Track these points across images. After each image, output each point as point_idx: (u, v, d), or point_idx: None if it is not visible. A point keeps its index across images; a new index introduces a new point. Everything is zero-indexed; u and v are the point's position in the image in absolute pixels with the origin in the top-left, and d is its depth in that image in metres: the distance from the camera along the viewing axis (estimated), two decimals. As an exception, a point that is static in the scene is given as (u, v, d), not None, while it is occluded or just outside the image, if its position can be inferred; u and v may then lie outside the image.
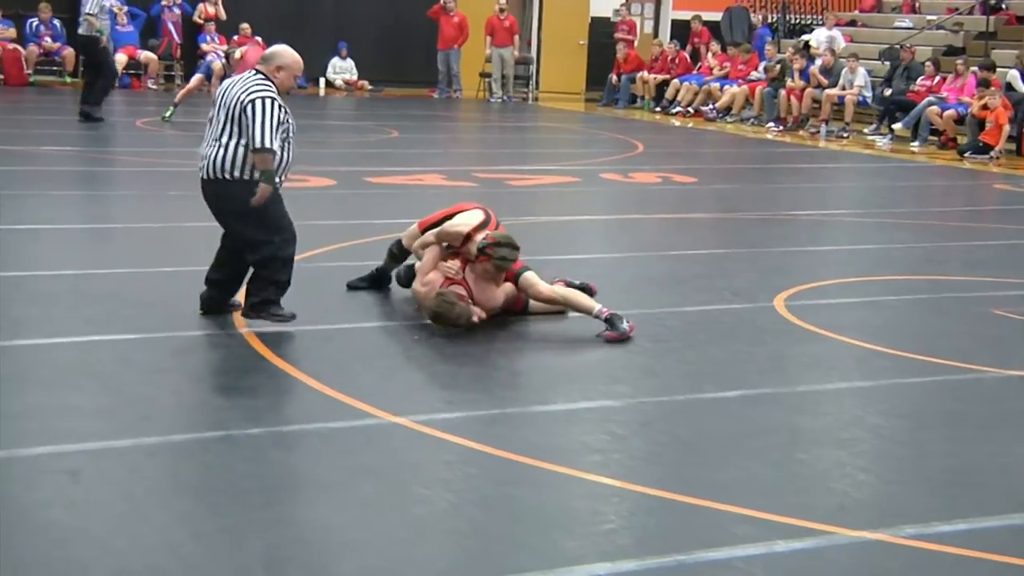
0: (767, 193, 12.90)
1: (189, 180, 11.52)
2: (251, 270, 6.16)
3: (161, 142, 15.27)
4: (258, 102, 5.87)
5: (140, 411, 4.92)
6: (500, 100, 24.16)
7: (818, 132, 19.42)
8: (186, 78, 20.33)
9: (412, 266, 6.92)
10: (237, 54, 15.78)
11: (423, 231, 6.78)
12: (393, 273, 7.15)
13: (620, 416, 5.19)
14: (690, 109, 22.21)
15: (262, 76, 5.99)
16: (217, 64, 16.79)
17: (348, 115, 20.94)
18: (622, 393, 5.50)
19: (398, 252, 7.01)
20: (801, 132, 19.68)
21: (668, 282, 8.01)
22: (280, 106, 5.93)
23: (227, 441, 4.62)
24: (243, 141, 5.91)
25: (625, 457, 4.70)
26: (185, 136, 15.56)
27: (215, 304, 6.28)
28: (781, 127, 20.02)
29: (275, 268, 6.03)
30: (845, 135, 19.06)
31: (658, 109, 22.83)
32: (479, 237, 6.45)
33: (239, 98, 5.91)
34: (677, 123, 21.41)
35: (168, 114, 16.37)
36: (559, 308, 6.64)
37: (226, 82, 6.09)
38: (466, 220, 6.60)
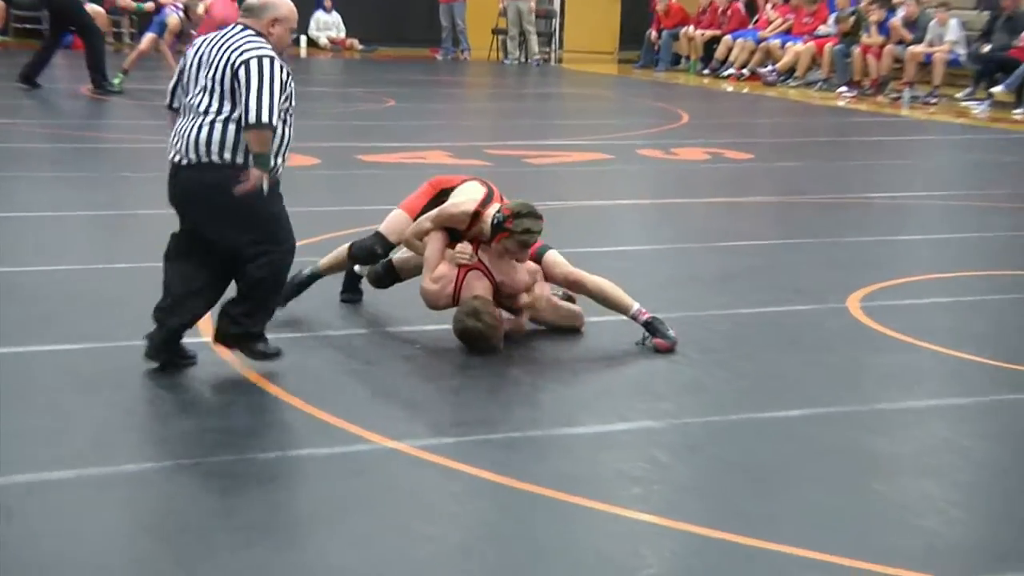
0: (838, 172, 12.90)
1: (144, 159, 11.62)
2: (222, 290, 5.68)
3: (109, 113, 15.36)
4: (254, 63, 5.33)
5: (89, 435, 4.95)
6: (517, 62, 24.20)
7: (900, 98, 19.39)
8: (137, 36, 20.43)
9: (390, 262, 6.76)
10: (200, 8, 15.85)
11: (415, 217, 6.57)
12: (365, 272, 6.86)
13: (663, 439, 5.21)
14: (745, 71, 22.22)
15: (253, 32, 5.47)
16: (174, 18, 16.67)
17: (335, 80, 21.03)
18: (665, 412, 5.52)
19: (382, 250, 6.63)
20: (880, 98, 19.67)
21: (718, 279, 8.02)
22: (283, 67, 5.41)
23: (194, 471, 4.64)
24: (235, 114, 5.37)
25: (668, 488, 4.71)
26: (138, 106, 15.64)
27: (170, 346, 5.63)
28: (855, 92, 20.01)
29: (268, 288, 5.59)
30: (933, 101, 19.03)
31: (706, 72, 22.84)
32: (490, 212, 6.34)
33: (228, 59, 5.36)
34: (729, 88, 21.42)
35: (118, 81, 16.45)
36: (571, 322, 6.56)
37: (202, 40, 5.55)
38: (469, 196, 6.43)
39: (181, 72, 5.61)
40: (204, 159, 5.43)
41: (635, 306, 6.40)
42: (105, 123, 14.63)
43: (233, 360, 5.83)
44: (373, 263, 6.74)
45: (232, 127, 5.40)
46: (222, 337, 5.71)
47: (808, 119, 17.92)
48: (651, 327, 6.34)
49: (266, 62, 5.36)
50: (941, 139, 16.14)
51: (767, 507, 4.55)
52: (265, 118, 5.31)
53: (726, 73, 22.38)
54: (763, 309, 7.32)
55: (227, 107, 5.39)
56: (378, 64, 23.16)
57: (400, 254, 6.72)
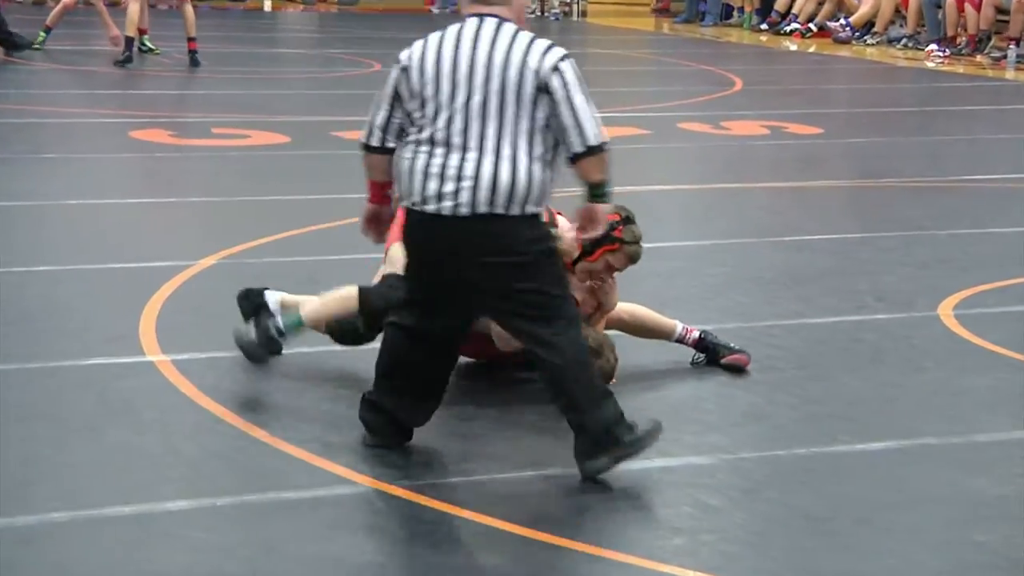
0: (928, 149, 12.89)
1: (72, 137, 11.64)
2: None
3: (29, 81, 15.36)
4: (568, 70, 4.96)
5: (8, 478, 4.97)
6: (532, 14, 24.22)
7: (1005, 57, 19.35)
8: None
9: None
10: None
11: None
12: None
13: (713, 480, 5.20)
14: (812, 26, 22.20)
15: (517, 27, 5.07)
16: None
17: (307, 39, 21.08)
18: (715, 446, 5.50)
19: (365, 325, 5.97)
20: (979, 58, 19.64)
21: (781, 282, 8.00)
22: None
23: (135, 521, 4.65)
24: (543, 151, 4.99)
25: (720, 539, 4.70)
26: (64, 73, 15.66)
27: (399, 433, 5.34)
28: (948, 51, 19.98)
29: (588, 378, 5.09)
30: (1046, 61, 19.01)
31: (764, 27, 22.83)
32: (562, 224, 5.99)
33: (531, 68, 4.93)
34: (793, 47, 21.41)
35: (40, 41, 16.50)
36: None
37: (451, 44, 5.06)
38: None
39: (398, 96, 5.13)
40: (499, 211, 4.96)
41: (678, 326, 6.39)
42: (22, 93, 14.64)
43: (185, 386, 5.86)
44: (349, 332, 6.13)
45: (538, 167, 4.99)
46: (595, 458, 5.07)
47: (890, 84, 17.92)
48: (706, 345, 6.31)
49: (575, 67, 5.04)
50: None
51: (842, 564, 4.54)
52: (602, 136, 5.06)
53: (789, 28, 22.37)
54: (837, 319, 7.31)
55: (529, 139, 4.99)
56: (361, 19, 23.20)
57: None
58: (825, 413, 5.96)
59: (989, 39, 19.96)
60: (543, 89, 4.95)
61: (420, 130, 5.04)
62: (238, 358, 6.03)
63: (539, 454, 5.37)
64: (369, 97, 5.35)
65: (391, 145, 5.15)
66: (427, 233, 5.08)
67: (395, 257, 5.77)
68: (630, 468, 5.17)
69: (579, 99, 4.97)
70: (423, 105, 5.03)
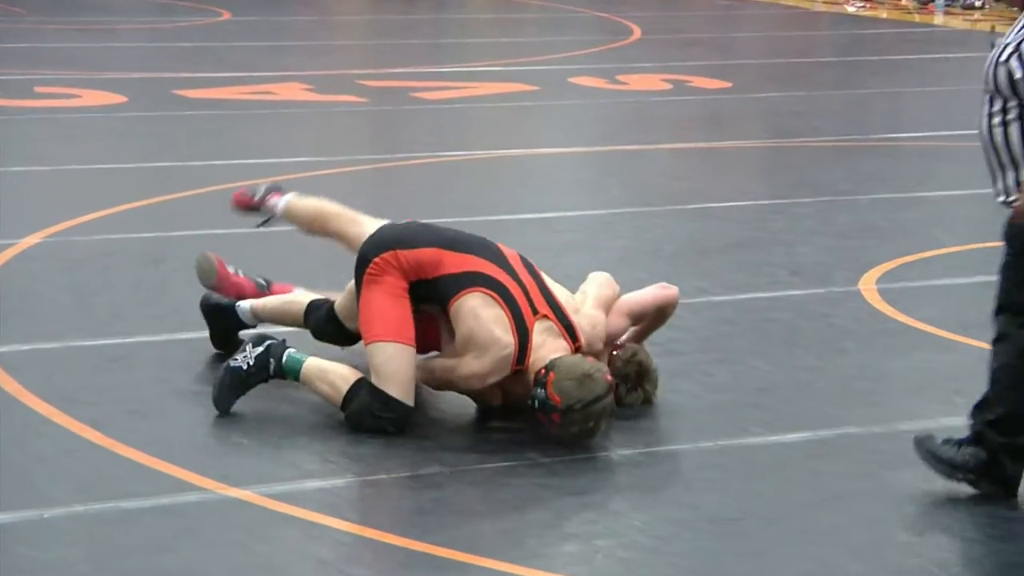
0: (848, 105, 13.00)
1: None
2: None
3: None
4: None
5: None
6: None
7: (932, 1, 19.59)
8: None
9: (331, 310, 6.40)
10: None
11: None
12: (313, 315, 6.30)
13: (608, 478, 5.24)
14: (719, -34, 22.32)
15: None
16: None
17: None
18: (611, 441, 5.53)
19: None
20: (904, 1, 19.85)
21: (684, 255, 8.05)
22: None
23: None
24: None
25: (618, 544, 4.72)
26: None
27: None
28: (871, -6, 20.17)
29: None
30: (977, 4, 19.25)
31: (666, -33, 22.92)
32: (537, 356, 5.66)
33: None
34: (698, -10, 21.49)
35: None
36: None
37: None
38: (493, 354, 5.62)
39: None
40: None
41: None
42: None
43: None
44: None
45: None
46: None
47: (806, 32, 18.07)
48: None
49: None
50: (987, 57, 16.30)
51: (752, 570, 4.57)
52: None
53: (693, -31, 22.49)
54: (747, 295, 7.37)
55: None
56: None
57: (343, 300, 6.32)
58: (733, 402, 6.00)
59: (915, -19, 20.17)
60: None
61: None
62: (67, 349, 5.97)
63: (410, 453, 5.37)
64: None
65: None
66: None
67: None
68: (512, 469, 5.19)
69: None
70: None
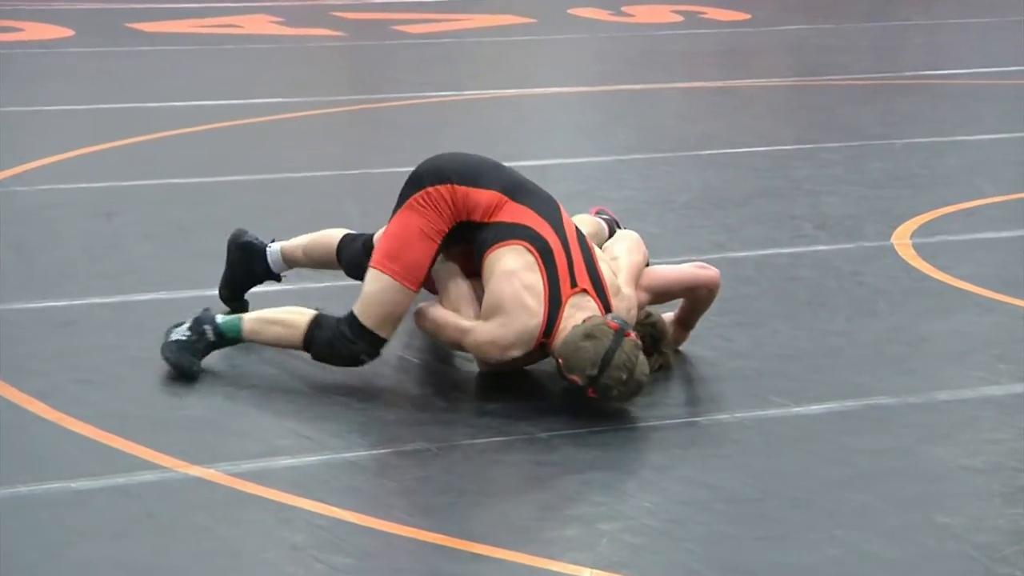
0: (880, 38, 12.97)
1: None
2: None
3: None
4: None
5: None
6: None
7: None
8: None
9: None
10: None
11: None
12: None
13: (615, 454, 5.24)
14: None
15: None
16: None
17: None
18: (618, 413, 5.53)
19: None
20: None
21: (699, 207, 8.05)
22: None
23: None
24: None
25: (625, 528, 4.71)
26: None
27: None
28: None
29: None
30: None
31: None
32: (563, 325, 5.67)
33: None
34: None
35: None
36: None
37: None
38: (520, 315, 5.62)
39: None
40: None
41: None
42: None
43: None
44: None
45: None
46: None
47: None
48: None
49: None
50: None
51: (774, 556, 4.56)
52: None
53: None
54: (769, 251, 7.37)
55: None
56: None
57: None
58: (753, 370, 6.00)
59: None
60: None
61: None
62: (10, 312, 5.96)
63: (392, 428, 5.37)
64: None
65: None
66: None
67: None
68: (507, 444, 5.19)
69: None
70: None
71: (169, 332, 5.74)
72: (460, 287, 5.79)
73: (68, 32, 11.68)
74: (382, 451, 5.18)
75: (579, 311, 5.61)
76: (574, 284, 5.64)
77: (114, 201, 7.55)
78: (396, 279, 5.64)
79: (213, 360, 5.70)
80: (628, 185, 8.45)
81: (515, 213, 5.69)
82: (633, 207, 7.96)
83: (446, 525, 4.63)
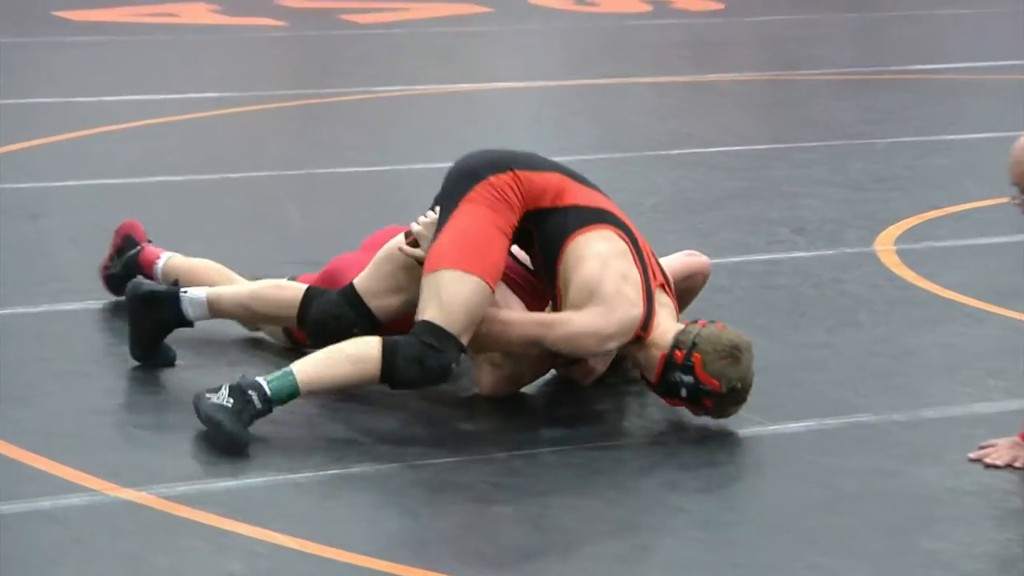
0: (862, 30, 13.01)
1: None
2: None
3: None
4: None
5: None
6: None
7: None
8: None
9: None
10: None
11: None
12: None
13: (571, 474, 5.24)
14: None
15: None
16: None
17: None
18: (580, 434, 5.55)
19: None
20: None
21: (668, 210, 8.07)
22: None
23: None
24: None
25: (588, 556, 4.72)
26: None
27: None
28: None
29: None
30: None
31: None
32: (664, 325, 5.65)
33: None
34: None
35: None
36: None
37: None
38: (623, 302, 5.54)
39: None
40: None
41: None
42: None
43: None
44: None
45: None
46: None
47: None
48: None
49: None
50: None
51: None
52: None
53: None
54: (744, 257, 7.40)
55: None
56: None
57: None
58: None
59: None
60: None
61: None
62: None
63: (338, 447, 5.37)
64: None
65: None
66: None
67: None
68: (463, 465, 5.19)
69: None
70: None
71: (203, 397, 5.32)
72: (502, 286, 5.68)
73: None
74: (328, 472, 5.18)
75: (663, 308, 5.59)
76: (655, 277, 5.63)
77: (39, 203, 7.53)
78: (485, 279, 5.42)
79: (145, 375, 5.68)
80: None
81: (586, 196, 5.63)
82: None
83: (397, 553, 4.64)
